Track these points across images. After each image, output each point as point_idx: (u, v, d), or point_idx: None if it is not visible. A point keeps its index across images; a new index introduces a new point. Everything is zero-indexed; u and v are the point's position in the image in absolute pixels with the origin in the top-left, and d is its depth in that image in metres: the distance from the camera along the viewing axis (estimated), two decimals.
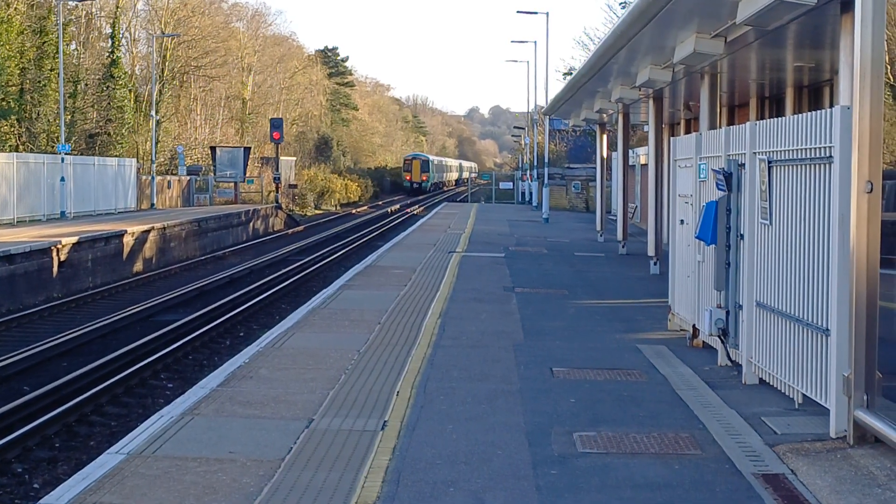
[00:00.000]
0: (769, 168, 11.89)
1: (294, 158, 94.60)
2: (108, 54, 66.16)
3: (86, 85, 63.04)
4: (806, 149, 10.81)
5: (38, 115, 55.40)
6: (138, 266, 39.31)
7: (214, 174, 70.27)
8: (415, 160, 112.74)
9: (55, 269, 31.91)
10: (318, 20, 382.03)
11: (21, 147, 53.06)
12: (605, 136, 40.29)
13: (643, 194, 46.94)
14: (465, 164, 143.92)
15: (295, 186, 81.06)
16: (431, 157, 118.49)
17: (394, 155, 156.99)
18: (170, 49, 76.00)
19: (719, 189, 13.41)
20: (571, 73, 42.46)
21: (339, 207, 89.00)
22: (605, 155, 40.76)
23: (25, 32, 54.39)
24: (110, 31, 67.63)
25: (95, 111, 63.38)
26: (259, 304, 29.04)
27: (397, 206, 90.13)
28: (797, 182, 11.12)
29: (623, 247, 32.99)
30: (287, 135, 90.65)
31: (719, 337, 13.66)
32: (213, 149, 73.26)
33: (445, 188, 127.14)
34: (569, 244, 36.86)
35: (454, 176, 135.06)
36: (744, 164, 12.88)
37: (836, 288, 9.90)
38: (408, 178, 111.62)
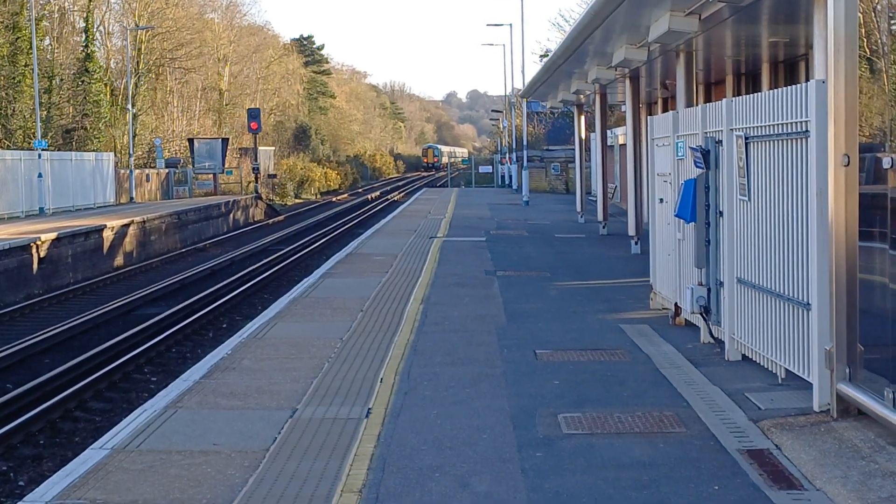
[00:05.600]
0: (746, 144, 11.89)
1: (273, 148, 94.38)
2: (82, 48, 65.87)
3: (61, 80, 62.72)
4: (782, 124, 10.82)
5: (14, 111, 55.11)
6: (119, 260, 39.19)
7: (193, 166, 70.05)
8: (429, 149, 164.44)
9: (35, 265, 31.78)
10: (293, 9, 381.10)
11: None
12: (582, 117, 40.28)
13: (622, 174, 46.99)
14: (459, 150, 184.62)
15: (274, 176, 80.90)
16: (440, 147, 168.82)
17: (372, 142, 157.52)
18: (144, 42, 75.61)
19: (697, 167, 13.41)
20: (547, 55, 42.43)
21: (319, 196, 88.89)
22: (583, 136, 40.76)
23: None
24: (84, 25, 67.30)
25: (71, 106, 63.08)
26: (241, 295, 28.99)
27: (377, 193, 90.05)
28: (775, 157, 11.13)
29: (604, 227, 33.02)
30: (265, 125, 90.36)
31: (701, 314, 13.69)
32: (190, 141, 73.00)
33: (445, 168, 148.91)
34: (549, 226, 36.87)
35: (456, 159, 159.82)
36: (721, 141, 12.89)
37: (816, 262, 9.92)
38: (425, 160, 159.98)
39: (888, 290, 8.75)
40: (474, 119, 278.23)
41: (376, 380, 12.04)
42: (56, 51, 64.92)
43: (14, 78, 54.70)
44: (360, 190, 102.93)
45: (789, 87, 10.67)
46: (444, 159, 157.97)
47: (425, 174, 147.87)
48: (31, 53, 50.89)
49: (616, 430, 9.81)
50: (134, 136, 64.00)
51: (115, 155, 61.71)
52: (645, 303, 17.42)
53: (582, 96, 37.69)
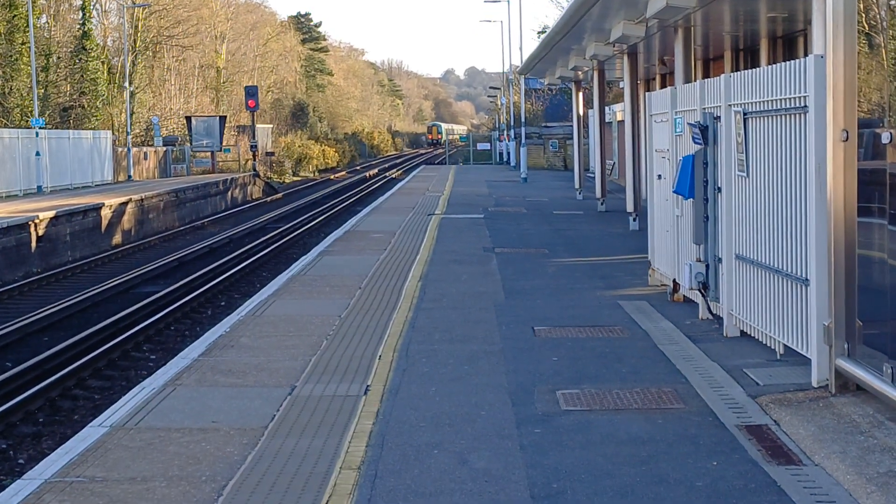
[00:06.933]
0: (745, 120, 11.87)
1: (270, 126, 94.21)
2: (79, 26, 65.64)
3: (58, 58, 62.56)
4: (781, 99, 10.79)
5: (11, 89, 54.97)
6: (117, 238, 39.17)
7: (191, 144, 69.96)
8: (433, 126, 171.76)
9: (33, 243, 31.77)
10: None
11: None
12: (580, 94, 40.18)
13: (620, 151, 46.93)
14: (458, 127, 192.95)
15: (272, 154, 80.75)
16: (443, 124, 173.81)
17: (370, 119, 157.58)
18: (141, 19, 75.35)
19: (695, 143, 13.39)
20: (546, 32, 42.32)
21: (317, 173, 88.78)
22: (581, 113, 40.67)
23: None
24: (80, 2, 67.05)
25: (69, 84, 62.93)
26: (239, 273, 28.98)
27: (375, 171, 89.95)
28: (773, 133, 11.10)
29: (602, 204, 33.01)
30: (262, 102, 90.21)
31: (699, 290, 13.68)
32: (188, 119, 72.89)
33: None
34: (548, 203, 36.85)
35: (455, 136, 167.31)
36: (719, 117, 12.86)
37: (815, 238, 9.91)
38: (429, 137, 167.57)
39: (887, 266, 8.74)
40: (472, 96, 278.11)
41: (375, 357, 12.04)
42: (53, 29, 64.75)
43: (11, 56, 54.53)
44: (358, 167, 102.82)
45: (788, 63, 10.64)
46: (445, 136, 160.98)
47: (423, 151, 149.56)
48: (28, 31, 50.73)
49: (614, 407, 9.82)
50: (131, 115, 63.89)
51: (113, 133, 61.59)
52: (643, 279, 17.42)
53: (580, 73, 37.59)
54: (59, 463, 8.42)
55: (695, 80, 16.73)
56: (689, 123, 13.89)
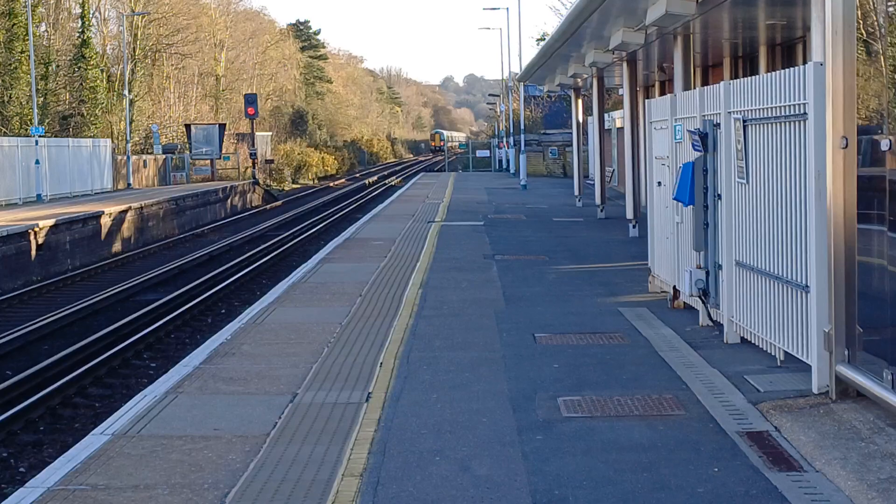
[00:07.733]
0: (744, 127, 11.90)
1: (270, 133, 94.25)
2: (78, 35, 65.72)
3: (57, 66, 62.62)
4: (780, 106, 10.82)
5: (10, 98, 55.01)
6: (117, 246, 39.18)
7: (190, 152, 70.00)
8: (436, 134, 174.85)
9: (33, 252, 31.78)
10: None
11: None
12: (580, 101, 40.21)
13: (620, 158, 46.95)
14: (457, 134, 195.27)
15: (271, 161, 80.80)
16: (445, 132, 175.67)
17: (370, 127, 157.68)
18: (140, 27, 75.45)
19: (695, 150, 13.41)
20: (545, 39, 42.35)
21: (316, 181, 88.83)
22: (580, 120, 40.69)
23: None
24: (80, 11, 67.13)
25: (68, 92, 62.99)
26: (239, 281, 28.98)
27: (375, 178, 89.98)
28: (773, 140, 11.13)
29: (601, 211, 33.04)
30: (262, 110, 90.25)
31: (700, 297, 13.70)
32: (188, 126, 72.98)
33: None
34: (547, 210, 36.89)
35: (454, 143, 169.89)
36: (719, 124, 12.88)
37: (815, 244, 9.93)
38: (433, 144, 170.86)
39: (886, 272, 8.77)
40: (471, 103, 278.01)
41: (376, 364, 12.06)
42: (52, 37, 64.79)
43: (10, 64, 54.58)
44: (357, 175, 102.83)
45: (787, 70, 10.67)
46: (451, 143, 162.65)
47: (423, 158, 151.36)
48: (28, 40, 50.76)
49: (616, 413, 9.83)
50: (131, 122, 63.93)
51: (113, 141, 61.63)
52: (643, 286, 17.43)
53: (579, 80, 37.64)
54: (61, 471, 8.43)
55: (694, 88, 16.77)
56: (688, 130, 13.92)
